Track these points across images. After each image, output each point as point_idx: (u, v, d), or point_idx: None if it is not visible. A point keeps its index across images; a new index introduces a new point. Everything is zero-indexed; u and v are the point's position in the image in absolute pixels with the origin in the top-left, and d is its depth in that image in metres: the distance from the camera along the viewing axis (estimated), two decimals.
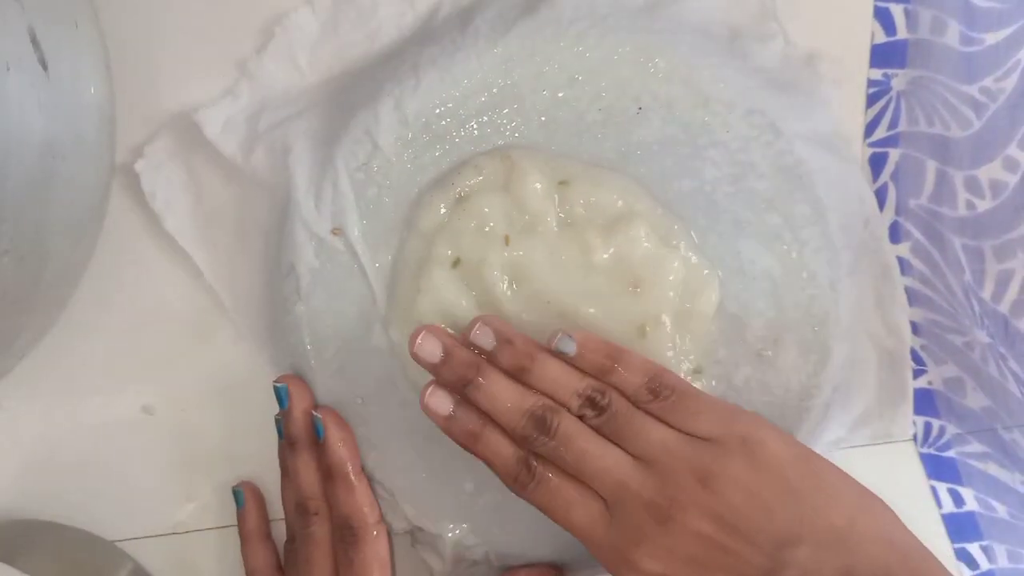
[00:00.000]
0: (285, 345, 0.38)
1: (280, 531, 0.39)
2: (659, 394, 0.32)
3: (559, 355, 0.33)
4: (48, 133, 0.29)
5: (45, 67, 0.28)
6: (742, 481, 0.30)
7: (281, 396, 0.36)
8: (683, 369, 0.37)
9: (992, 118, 0.38)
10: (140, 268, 0.39)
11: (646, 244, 0.36)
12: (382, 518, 0.37)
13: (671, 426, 0.32)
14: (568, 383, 0.33)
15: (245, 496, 0.38)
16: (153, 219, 0.38)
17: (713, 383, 0.37)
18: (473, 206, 0.36)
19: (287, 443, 0.37)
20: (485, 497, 0.37)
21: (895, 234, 0.40)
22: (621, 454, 0.32)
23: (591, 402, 0.32)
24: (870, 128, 0.40)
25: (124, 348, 0.39)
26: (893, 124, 0.40)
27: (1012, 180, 0.37)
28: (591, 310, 0.36)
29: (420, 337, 0.34)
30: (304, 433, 0.36)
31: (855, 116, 0.40)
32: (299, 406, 0.36)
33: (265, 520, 0.39)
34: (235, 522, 0.39)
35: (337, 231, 0.36)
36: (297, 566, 0.36)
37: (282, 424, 0.37)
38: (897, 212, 0.41)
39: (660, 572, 0.30)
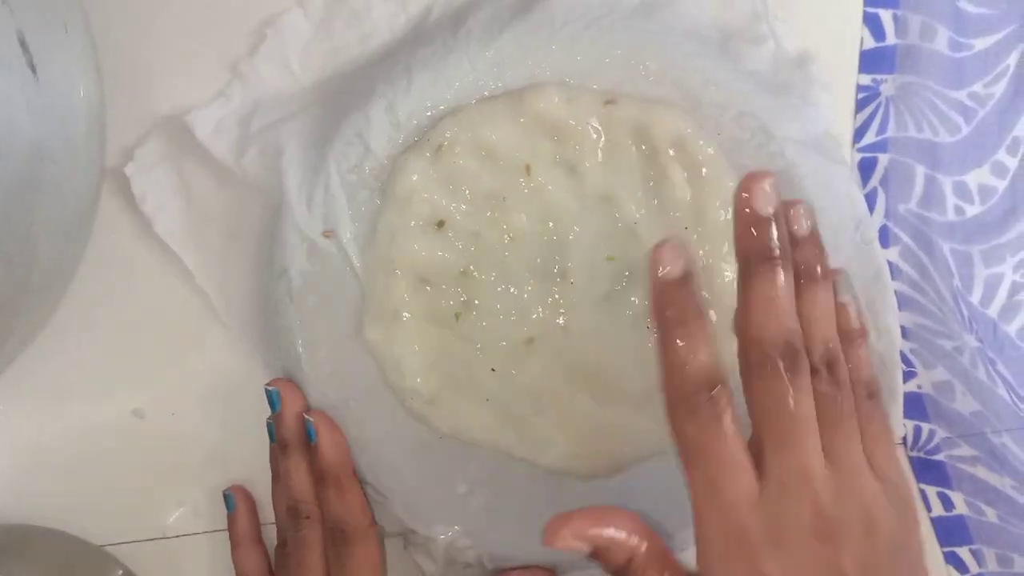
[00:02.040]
0: (277, 347, 0.38)
1: (271, 535, 0.39)
2: (874, 400, 0.30)
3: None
4: (37, 136, 0.29)
5: (34, 70, 0.28)
6: (894, 541, 0.28)
7: (273, 400, 0.36)
8: None
9: (981, 123, 0.38)
10: (130, 271, 0.38)
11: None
12: (374, 521, 0.37)
13: (863, 436, 0.29)
14: (830, 327, 0.29)
15: (236, 500, 0.38)
16: (143, 222, 0.37)
17: None
18: (466, 146, 0.35)
19: (279, 446, 0.37)
20: (477, 499, 0.37)
21: (884, 239, 0.41)
22: (818, 449, 0.28)
23: (833, 364, 0.29)
24: (859, 133, 0.40)
25: (114, 352, 0.39)
26: (882, 129, 0.40)
27: (1000, 185, 0.38)
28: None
29: (765, 182, 0.29)
30: (296, 436, 0.36)
31: (844, 121, 0.40)
32: (291, 409, 0.36)
33: (256, 524, 0.39)
34: (226, 526, 0.39)
35: (329, 233, 0.36)
36: (289, 570, 0.36)
37: (273, 427, 0.37)
38: (886, 217, 0.41)
39: None
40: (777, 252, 0.28)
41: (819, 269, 0.30)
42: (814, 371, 0.29)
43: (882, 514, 0.28)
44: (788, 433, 0.28)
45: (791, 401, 0.27)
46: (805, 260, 0.30)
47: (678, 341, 0.28)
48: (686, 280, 0.29)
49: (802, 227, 0.30)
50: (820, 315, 0.29)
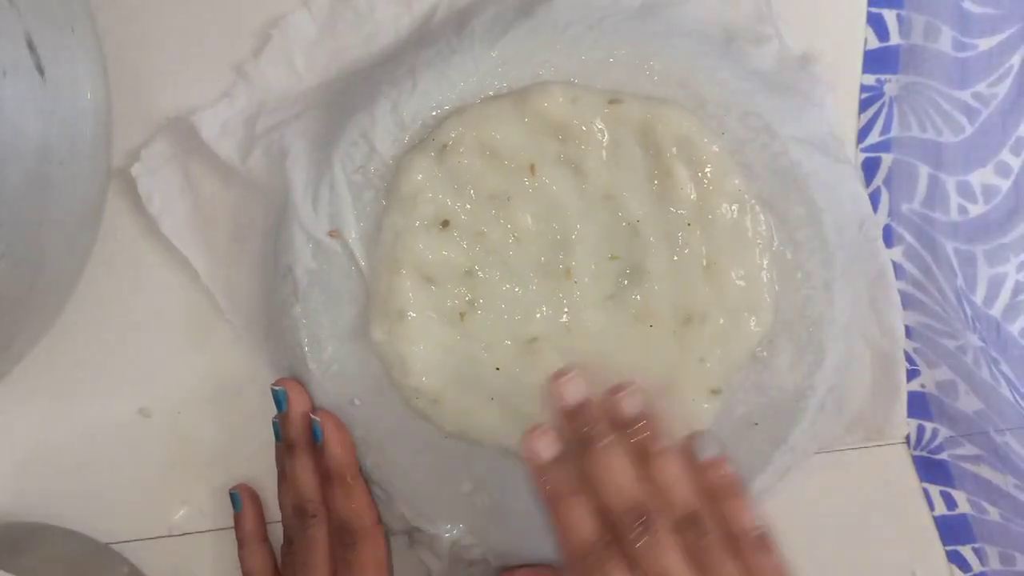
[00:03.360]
0: (282, 347, 0.38)
1: (277, 534, 0.39)
2: (766, 546, 0.31)
3: (687, 454, 0.32)
4: (44, 138, 0.29)
5: (42, 72, 0.28)
6: None
7: (279, 399, 0.37)
8: (703, 387, 0.37)
9: (984, 123, 0.38)
10: (137, 271, 0.39)
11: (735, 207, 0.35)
12: (380, 519, 0.37)
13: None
14: (684, 491, 0.31)
15: (242, 499, 0.39)
16: (150, 222, 0.38)
17: None
18: (471, 145, 0.35)
19: (285, 446, 0.37)
20: (482, 497, 0.37)
21: (888, 238, 0.41)
22: None
23: (695, 520, 0.30)
24: (863, 133, 0.41)
25: (121, 351, 0.39)
26: (886, 129, 0.40)
27: (1004, 185, 0.38)
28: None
29: (569, 376, 0.32)
30: (302, 436, 0.36)
31: (848, 121, 0.40)
32: (297, 409, 0.36)
33: (262, 523, 0.39)
34: (232, 525, 0.39)
35: (334, 233, 0.36)
36: (295, 568, 0.36)
37: (280, 427, 0.37)
38: (890, 217, 0.41)
39: None
40: (598, 436, 0.31)
41: (655, 444, 0.31)
42: (677, 530, 0.30)
43: None
44: None
45: (654, 559, 0.29)
46: (637, 438, 0.31)
47: (565, 512, 0.30)
48: (559, 460, 0.31)
49: (630, 409, 0.32)
50: (664, 484, 0.31)
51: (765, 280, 0.36)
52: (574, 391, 0.32)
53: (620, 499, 0.30)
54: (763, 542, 0.31)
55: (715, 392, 0.37)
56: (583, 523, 0.30)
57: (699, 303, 0.36)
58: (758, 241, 0.36)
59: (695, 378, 0.37)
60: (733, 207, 0.36)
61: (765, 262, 0.36)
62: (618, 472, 0.30)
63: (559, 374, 0.32)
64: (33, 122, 0.28)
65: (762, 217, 0.36)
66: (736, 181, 0.36)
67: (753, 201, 0.36)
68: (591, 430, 0.31)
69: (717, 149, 0.36)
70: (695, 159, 0.36)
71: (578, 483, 0.31)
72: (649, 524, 0.30)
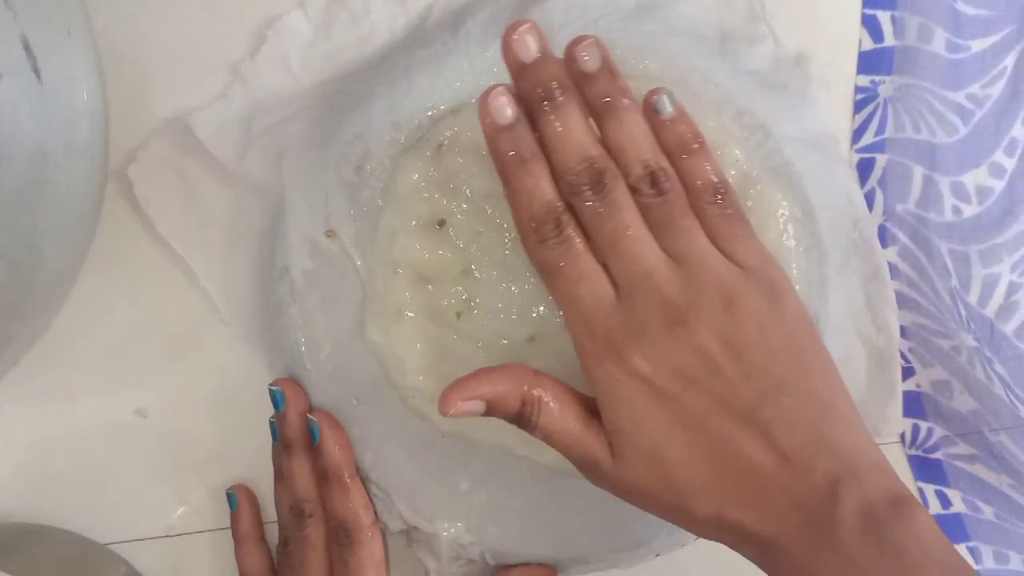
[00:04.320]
0: (279, 347, 0.38)
1: (273, 534, 0.39)
2: (721, 202, 0.31)
3: (649, 114, 0.31)
4: (40, 140, 0.29)
5: (38, 74, 0.28)
6: (760, 317, 0.29)
7: (276, 399, 0.37)
8: None
9: (978, 124, 0.38)
10: (133, 272, 0.39)
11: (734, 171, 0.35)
12: (377, 519, 0.37)
13: (716, 238, 0.31)
14: (642, 148, 0.30)
15: (239, 499, 0.39)
16: (146, 223, 0.38)
17: None
18: (466, 145, 0.35)
19: (282, 446, 0.37)
20: (480, 496, 0.37)
21: (883, 239, 0.41)
22: (657, 247, 0.30)
23: (653, 179, 0.30)
24: (857, 134, 0.41)
25: (117, 352, 0.39)
26: (880, 130, 0.41)
27: (998, 186, 0.38)
28: None
29: (522, 29, 0.30)
30: (299, 436, 0.36)
31: (842, 122, 0.41)
32: (294, 409, 0.36)
33: (259, 523, 0.39)
34: (228, 525, 0.39)
35: (331, 233, 0.36)
36: (292, 568, 0.36)
37: (277, 427, 0.37)
38: (884, 217, 0.41)
39: (646, 374, 0.29)
40: (553, 93, 0.30)
41: (615, 99, 0.30)
42: (634, 191, 0.30)
43: (742, 293, 0.29)
44: (617, 242, 0.29)
45: (608, 217, 0.29)
46: (596, 94, 0.30)
47: (522, 178, 0.30)
48: (517, 122, 0.30)
49: (589, 63, 0.31)
50: (627, 141, 0.30)
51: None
52: (528, 47, 0.30)
53: (575, 157, 0.29)
54: (723, 197, 0.31)
55: None
56: (539, 188, 0.30)
57: None
58: (768, 219, 0.36)
59: None
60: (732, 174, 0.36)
61: (771, 237, 0.36)
62: (575, 129, 0.30)
63: (511, 28, 0.30)
64: (29, 124, 0.28)
65: (767, 191, 0.36)
66: (737, 151, 0.36)
67: (756, 172, 0.36)
68: (547, 87, 0.30)
69: (713, 125, 0.35)
70: None
71: (534, 150, 0.30)
72: (605, 182, 0.29)
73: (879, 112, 0.40)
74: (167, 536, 0.40)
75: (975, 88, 0.38)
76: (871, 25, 0.40)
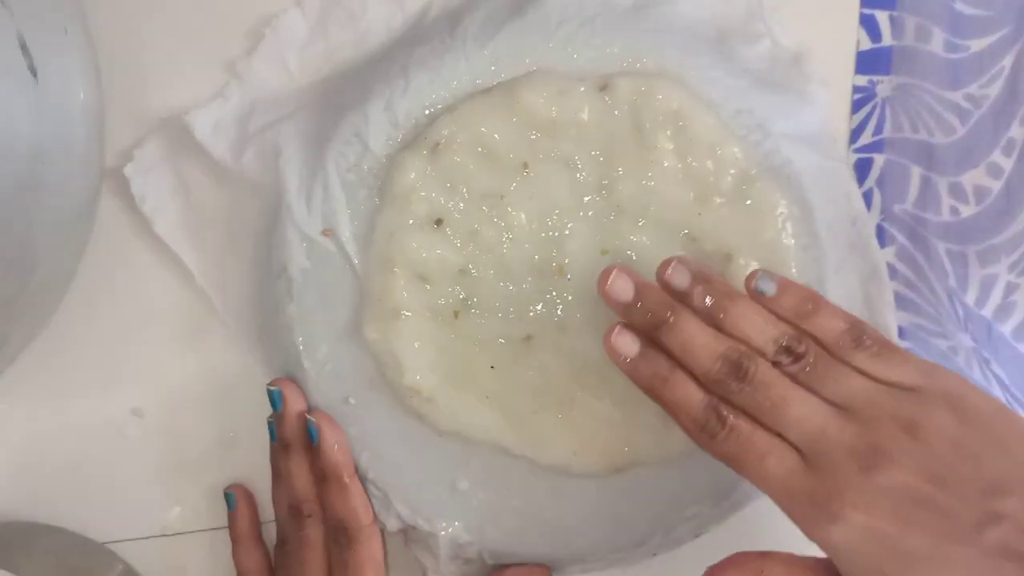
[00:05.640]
0: (277, 346, 0.38)
1: (271, 533, 0.39)
2: (861, 342, 0.31)
3: (756, 297, 0.32)
4: (36, 139, 0.29)
5: (34, 74, 0.28)
6: (948, 431, 0.29)
7: (275, 399, 0.37)
8: None
9: (976, 125, 0.38)
10: (130, 271, 0.39)
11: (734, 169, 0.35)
12: (376, 519, 0.37)
13: (871, 377, 0.31)
14: (765, 328, 0.31)
15: (237, 498, 0.39)
16: (143, 222, 0.38)
17: None
18: (464, 143, 0.35)
19: (280, 445, 0.37)
20: (478, 495, 0.37)
21: (880, 239, 0.41)
22: (819, 401, 0.30)
23: (788, 350, 0.31)
24: (855, 134, 0.41)
25: (114, 351, 0.39)
26: (878, 130, 0.41)
27: (996, 186, 0.38)
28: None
29: (612, 276, 0.33)
30: (297, 436, 0.36)
31: (840, 122, 0.41)
32: (293, 409, 0.36)
33: (257, 522, 0.39)
34: (226, 524, 0.39)
35: (328, 232, 0.36)
36: (290, 568, 0.36)
37: (275, 426, 0.37)
38: (882, 217, 0.41)
39: (864, 524, 0.28)
40: (662, 317, 0.32)
41: (719, 299, 0.32)
42: (776, 364, 0.31)
43: (920, 415, 0.29)
44: (781, 414, 0.30)
45: (763, 396, 0.30)
46: (700, 302, 0.32)
47: (671, 393, 0.32)
48: (644, 350, 0.33)
49: (682, 282, 0.33)
50: (748, 329, 0.32)
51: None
52: (624, 286, 0.33)
53: (708, 359, 0.31)
54: (860, 339, 0.31)
55: None
56: (688, 396, 0.31)
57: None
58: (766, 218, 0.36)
59: None
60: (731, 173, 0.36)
61: (769, 236, 0.36)
62: (698, 334, 0.31)
63: (603, 279, 0.33)
64: (25, 123, 0.28)
65: (765, 190, 0.36)
66: (736, 149, 0.36)
67: (755, 171, 0.36)
68: (656, 314, 0.32)
69: (712, 122, 0.35)
70: (690, 135, 0.35)
71: (670, 366, 0.32)
72: (745, 368, 0.30)
73: (877, 112, 0.40)
74: (164, 535, 0.40)
75: (973, 88, 0.38)
76: (869, 25, 0.40)
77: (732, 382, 0.31)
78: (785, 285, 0.32)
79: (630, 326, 0.33)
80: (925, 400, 0.30)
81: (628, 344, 0.33)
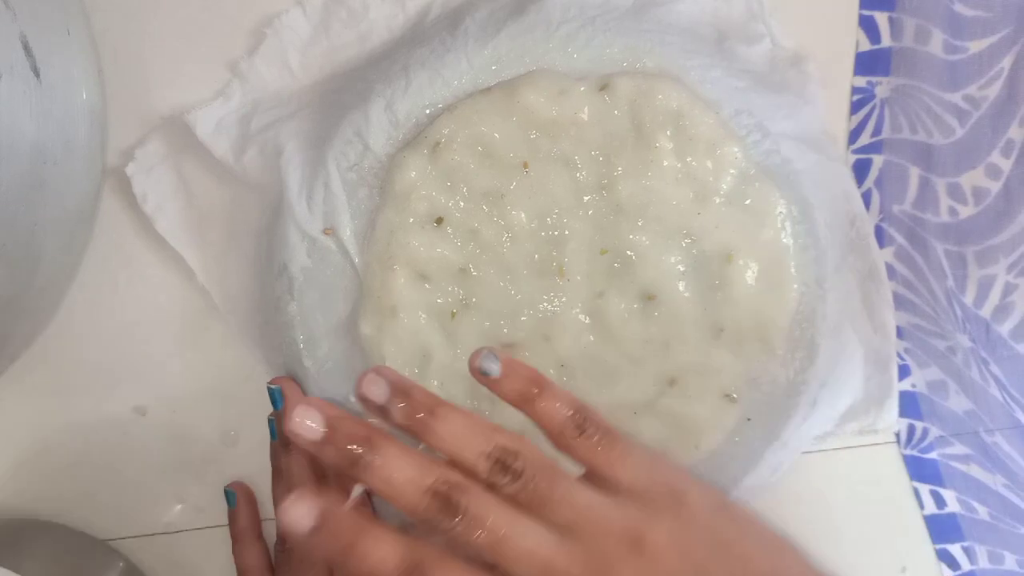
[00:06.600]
0: (278, 344, 0.38)
1: (271, 531, 0.39)
2: (585, 430, 0.30)
3: (480, 378, 0.30)
4: (39, 139, 0.29)
5: (37, 74, 0.28)
6: (673, 541, 0.28)
7: (275, 397, 0.37)
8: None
9: (975, 126, 0.38)
10: (132, 270, 0.39)
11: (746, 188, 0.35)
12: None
13: (595, 470, 0.30)
14: (475, 441, 0.28)
15: (237, 496, 0.39)
16: (145, 221, 0.38)
17: None
18: (464, 142, 0.35)
19: (280, 443, 0.37)
20: None
21: (879, 239, 0.41)
22: (542, 531, 0.28)
23: (503, 466, 0.28)
24: (854, 135, 0.41)
25: (116, 349, 0.39)
26: (877, 131, 0.41)
27: (994, 187, 0.38)
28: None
29: (295, 413, 0.27)
30: None
31: (839, 123, 0.41)
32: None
33: (257, 520, 0.39)
34: (226, 522, 0.39)
35: (329, 231, 0.36)
36: (290, 566, 0.37)
37: (275, 424, 0.37)
38: (881, 218, 0.41)
39: None
40: (356, 453, 0.27)
41: (420, 413, 0.29)
42: (493, 487, 0.28)
43: (643, 529, 0.28)
44: (500, 551, 0.27)
45: (478, 534, 0.27)
46: (401, 422, 0.29)
47: (364, 553, 0.27)
48: (328, 513, 0.27)
49: (379, 396, 0.29)
50: (454, 444, 0.28)
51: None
52: (309, 425, 0.28)
53: (413, 497, 0.27)
54: (583, 427, 0.29)
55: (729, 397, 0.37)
56: (383, 561, 0.27)
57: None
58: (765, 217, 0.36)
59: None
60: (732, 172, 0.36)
61: (768, 236, 0.36)
62: (398, 469, 0.27)
63: (287, 414, 0.28)
64: (28, 123, 0.28)
65: (765, 190, 0.36)
66: (736, 149, 0.36)
67: (754, 170, 0.36)
68: (350, 451, 0.27)
69: (712, 121, 0.36)
70: (689, 135, 0.36)
71: (366, 515, 0.28)
72: (454, 503, 0.27)
73: (876, 113, 0.40)
74: (165, 532, 0.40)
75: (972, 89, 0.38)
76: (868, 26, 0.40)
77: (443, 523, 0.27)
78: (510, 366, 0.30)
79: (303, 496, 0.27)
80: (649, 507, 0.29)
81: (300, 517, 0.26)
